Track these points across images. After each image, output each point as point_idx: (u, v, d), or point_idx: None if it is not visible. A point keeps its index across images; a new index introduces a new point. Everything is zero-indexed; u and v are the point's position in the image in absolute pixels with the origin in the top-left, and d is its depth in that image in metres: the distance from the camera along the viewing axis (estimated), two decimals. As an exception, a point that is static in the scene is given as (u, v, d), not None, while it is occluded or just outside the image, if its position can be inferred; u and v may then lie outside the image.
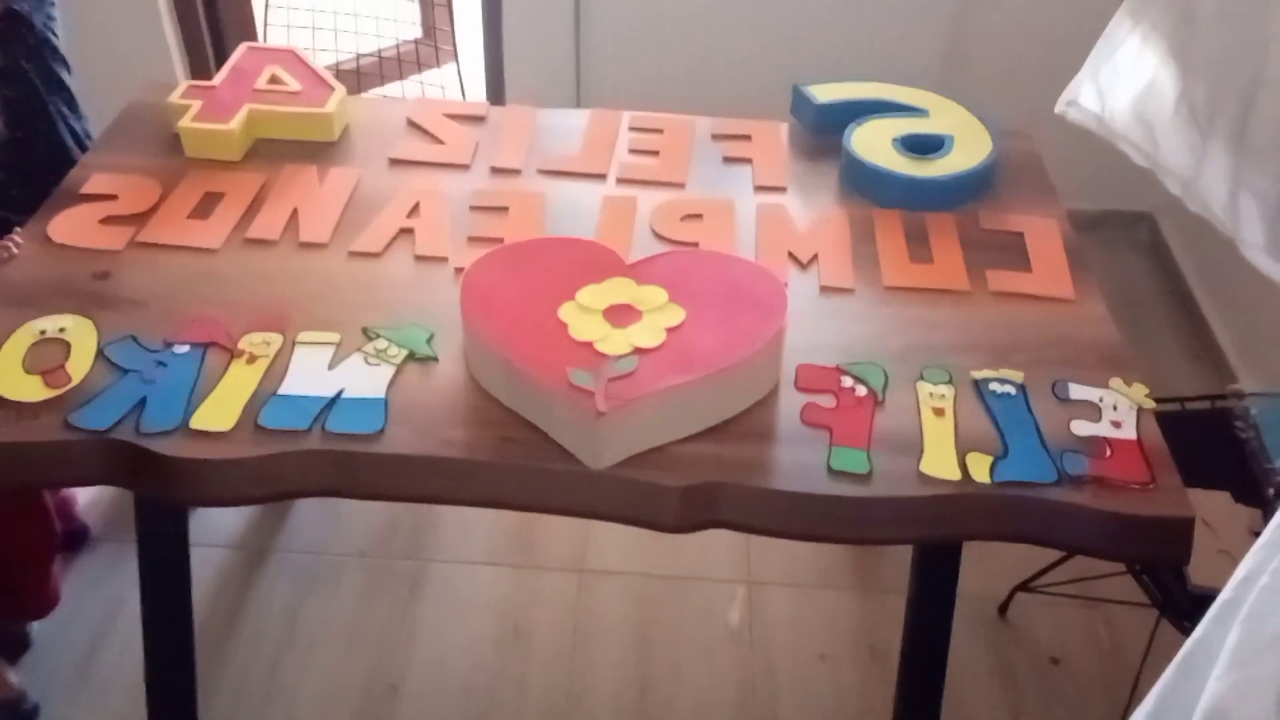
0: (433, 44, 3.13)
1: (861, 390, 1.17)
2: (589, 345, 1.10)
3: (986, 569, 1.77)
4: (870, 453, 1.09)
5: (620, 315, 1.14)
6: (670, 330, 1.12)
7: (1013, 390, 1.18)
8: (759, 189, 1.48)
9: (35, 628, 1.67)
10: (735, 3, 2.36)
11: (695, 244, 1.35)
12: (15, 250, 1.28)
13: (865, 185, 1.47)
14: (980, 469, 1.08)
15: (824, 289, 1.32)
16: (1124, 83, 0.67)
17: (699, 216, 1.41)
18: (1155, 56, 0.65)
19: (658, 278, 1.19)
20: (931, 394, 1.17)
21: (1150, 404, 1.17)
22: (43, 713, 1.57)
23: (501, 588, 1.80)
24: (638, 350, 1.09)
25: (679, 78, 2.39)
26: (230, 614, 1.73)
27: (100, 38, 2.49)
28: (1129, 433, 1.13)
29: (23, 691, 1.56)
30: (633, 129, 1.59)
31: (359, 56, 2.94)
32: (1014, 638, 1.76)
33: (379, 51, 3.06)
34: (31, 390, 1.10)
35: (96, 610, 1.72)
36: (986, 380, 1.19)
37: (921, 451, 1.10)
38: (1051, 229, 1.41)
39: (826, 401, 1.15)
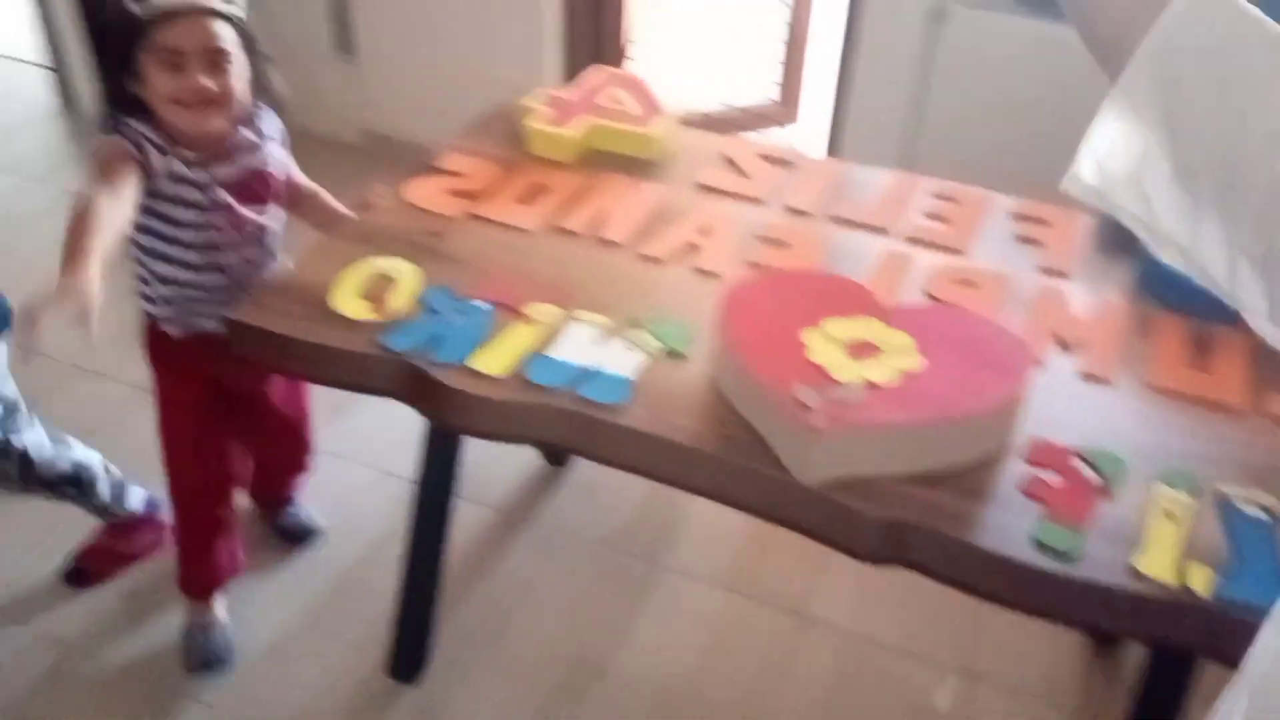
0: (785, 105, 3.30)
1: (1092, 476, 1.15)
2: (822, 368, 1.16)
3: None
4: (1084, 536, 1.08)
5: (861, 350, 1.19)
6: (905, 373, 1.16)
7: (1262, 515, 1.11)
8: (1042, 270, 1.48)
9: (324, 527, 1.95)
10: (1070, 97, 2.33)
11: (961, 307, 1.38)
12: (376, 203, 1.53)
13: (1156, 285, 1.43)
14: (1201, 580, 1.04)
15: (1083, 374, 1.30)
16: (1121, 154, 0.66)
17: (972, 284, 1.43)
18: (1148, 126, 0.64)
19: (908, 324, 1.23)
20: (1168, 497, 1.13)
21: None
22: (303, 605, 1.83)
23: (719, 609, 1.87)
24: (869, 384, 1.15)
25: (1005, 167, 2.39)
26: (477, 566, 1.92)
27: (500, 64, 2.86)
28: (1391, 587, 1.03)
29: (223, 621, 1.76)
30: (932, 195, 1.64)
31: (713, 108, 3.15)
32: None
33: (734, 106, 3.27)
34: (359, 310, 1.32)
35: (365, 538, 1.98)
36: (1234, 497, 1.13)
37: (1140, 548, 1.07)
38: (1362, 368, 1.31)
39: (1052, 478, 1.14)
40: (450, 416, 1.25)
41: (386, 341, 1.27)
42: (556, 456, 2.11)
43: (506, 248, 1.46)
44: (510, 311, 1.33)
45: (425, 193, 1.56)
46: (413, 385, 1.25)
